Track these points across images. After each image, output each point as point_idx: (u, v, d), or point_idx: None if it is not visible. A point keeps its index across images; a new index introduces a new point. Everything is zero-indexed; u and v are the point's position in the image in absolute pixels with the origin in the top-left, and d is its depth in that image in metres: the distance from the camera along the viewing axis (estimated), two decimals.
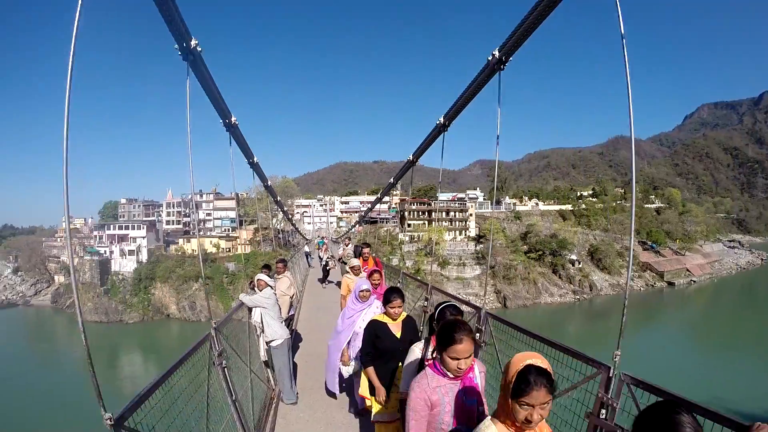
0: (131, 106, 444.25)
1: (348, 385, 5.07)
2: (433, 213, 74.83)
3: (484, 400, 2.33)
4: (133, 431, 2.11)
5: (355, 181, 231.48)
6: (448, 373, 2.14)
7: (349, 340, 4.63)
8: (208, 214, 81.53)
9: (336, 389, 5.04)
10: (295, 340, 7.42)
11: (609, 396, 2.69)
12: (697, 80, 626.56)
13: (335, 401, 5.21)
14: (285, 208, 29.49)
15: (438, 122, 5.92)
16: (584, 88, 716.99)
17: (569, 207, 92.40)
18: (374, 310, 4.55)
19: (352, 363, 4.54)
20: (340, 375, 4.85)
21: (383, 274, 6.88)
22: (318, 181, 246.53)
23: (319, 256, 18.12)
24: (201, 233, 72.72)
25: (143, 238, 67.28)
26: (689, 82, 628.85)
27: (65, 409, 29.94)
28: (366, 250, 8.54)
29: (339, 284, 14.38)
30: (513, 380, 1.62)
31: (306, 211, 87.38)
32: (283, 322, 5.75)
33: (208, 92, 4.66)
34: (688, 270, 77.32)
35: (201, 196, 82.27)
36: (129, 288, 60.86)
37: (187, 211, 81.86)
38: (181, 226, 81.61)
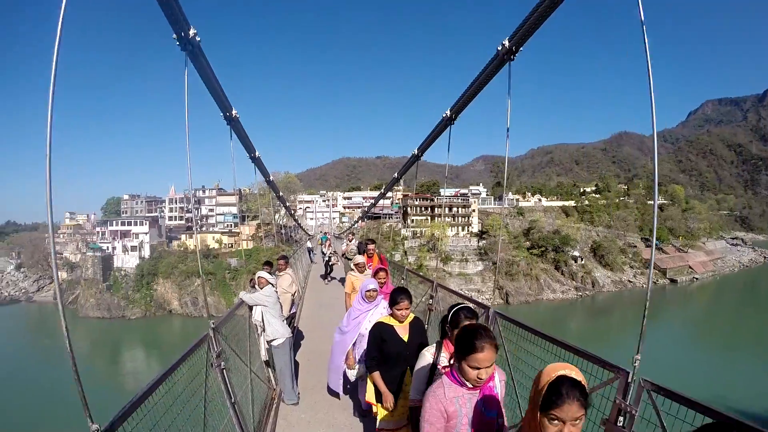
0: (133, 102, 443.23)
1: (351, 385, 4.95)
2: (436, 209, 74.69)
3: (503, 411, 2.19)
4: None
5: (358, 176, 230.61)
6: (467, 383, 2.00)
7: (355, 342, 4.51)
8: (211, 210, 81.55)
9: (339, 390, 4.90)
10: (296, 338, 7.30)
11: (627, 402, 2.55)
12: (701, 76, 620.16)
13: (338, 402, 5.09)
14: (287, 204, 29.39)
15: (444, 115, 5.83)
16: (588, 84, 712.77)
17: (572, 203, 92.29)
18: (381, 310, 4.42)
19: (357, 366, 4.41)
20: (344, 375, 4.72)
21: (389, 271, 6.72)
22: (321, 177, 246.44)
23: (322, 252, 17.93)
24: (203, 229, 72.75)
25: (146, 234, 67.62)
26: (693, 78, 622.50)
27: (68, 405, 30.01)
28: (371, 246, 8.36)
29: (342, 281, 14.27)
30: (544, 391, 1.49)
31: (309, 207, 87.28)
32: (285, 321, 5.64)
33: (208, 84, 4.54)
34: (690, 267, 77.06)
35: (203, 191, 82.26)
36: (131, 284, 61.07)
37: (189, 206, 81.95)
38: (183, 221, 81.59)
